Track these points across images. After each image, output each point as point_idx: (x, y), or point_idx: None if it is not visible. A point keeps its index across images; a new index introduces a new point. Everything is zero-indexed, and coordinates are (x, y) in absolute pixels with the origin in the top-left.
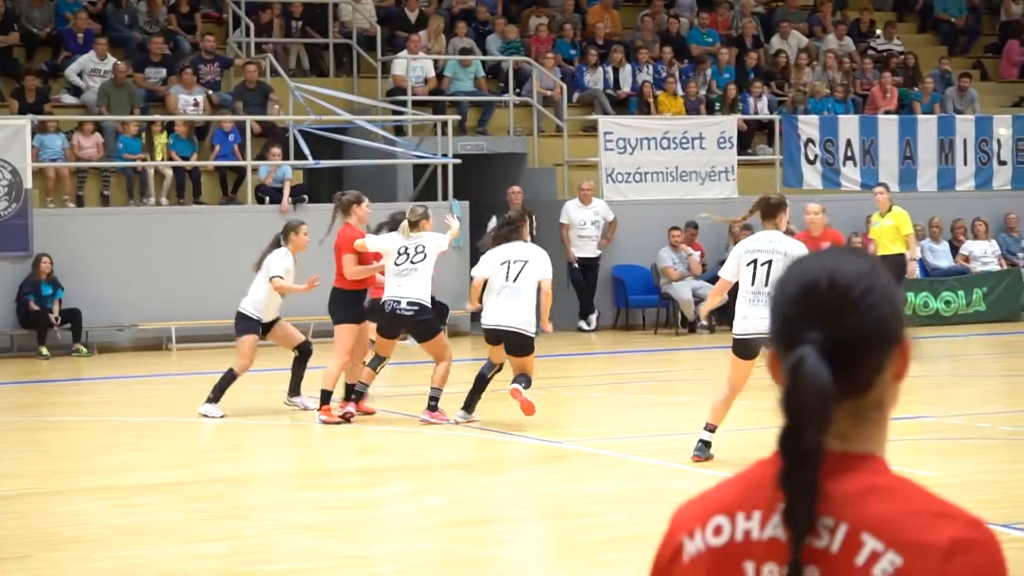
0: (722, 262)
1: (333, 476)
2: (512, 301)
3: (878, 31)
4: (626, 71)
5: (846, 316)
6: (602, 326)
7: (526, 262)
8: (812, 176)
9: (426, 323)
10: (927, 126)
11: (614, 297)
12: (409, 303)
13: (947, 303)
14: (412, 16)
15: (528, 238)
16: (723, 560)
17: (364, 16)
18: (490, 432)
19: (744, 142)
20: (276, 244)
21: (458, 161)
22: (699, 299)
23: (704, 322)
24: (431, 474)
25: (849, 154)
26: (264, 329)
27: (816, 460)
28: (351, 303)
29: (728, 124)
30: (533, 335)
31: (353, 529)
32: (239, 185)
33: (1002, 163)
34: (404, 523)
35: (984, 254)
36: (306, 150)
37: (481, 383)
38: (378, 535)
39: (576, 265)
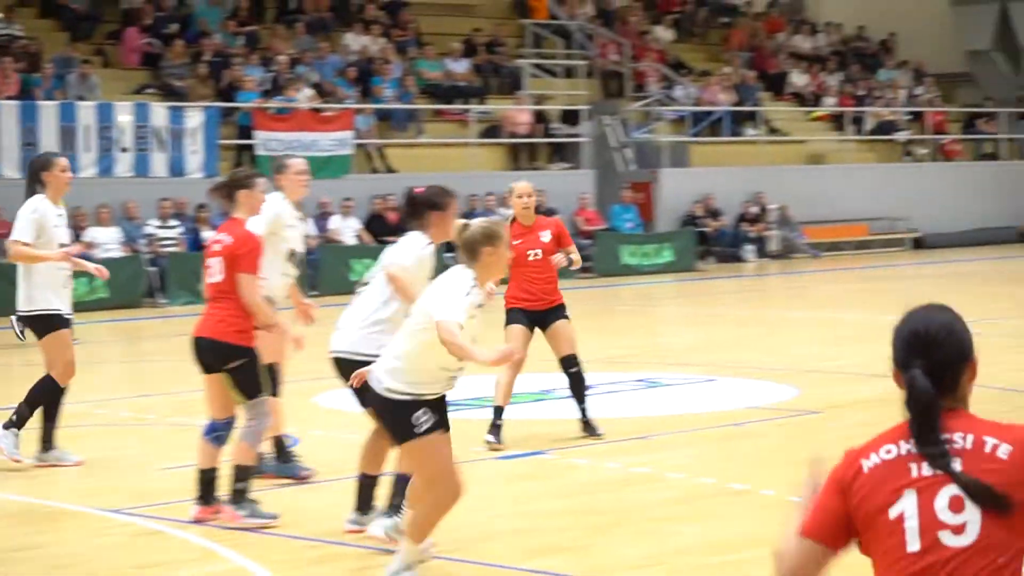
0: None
1: None
2: None
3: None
4: None
5: (937, 351)
6: None
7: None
8: None
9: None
10: (49, 112)
11: None
12: None
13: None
14: None
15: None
16: (895, 464)
17: None
18: None
19: None
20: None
21: None
22: None
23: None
24: None
25: None
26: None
27: (936, 431)
28: None
29: None
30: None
31: None
32: None
33: (124, 150)
34: None
35: (108, 240)
36: None
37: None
38: None
39: None
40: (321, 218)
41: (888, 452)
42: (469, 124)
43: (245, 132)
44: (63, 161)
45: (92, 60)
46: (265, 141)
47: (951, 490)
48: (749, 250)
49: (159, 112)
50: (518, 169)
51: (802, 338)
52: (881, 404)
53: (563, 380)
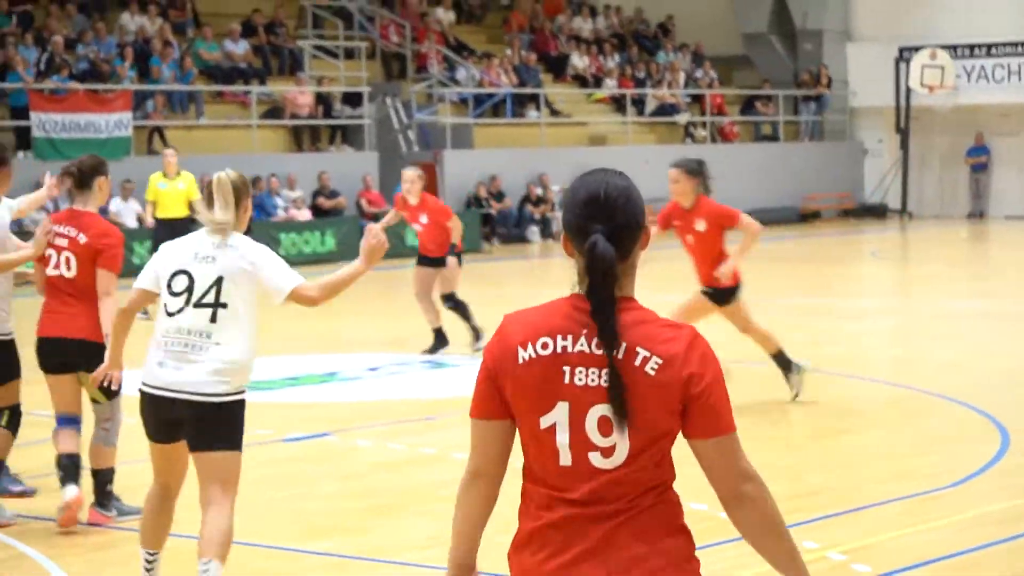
0: None
1: None
2: None
3: None
4: None
5: (616, 216)
6: None
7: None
8: None
9: None
10: None
11: None
12: None
13: None
14: None
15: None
16: (549, 363)
17: None
18: None
19: None
20: None
21: None
22: None
23: None
24: None
25: None
26: None
27: (612, 301)
28: None
29: None
30: None
31: None
32: None
33: None
34: None
35: None
36: None
37: None
38: None
39: None
40: None
41: (545, 347)
42: (250, 106)
43: (21, 113)
44: None
45: None
46: (41, 122)
47: (600, 409)
48: (534, 231)
49: None
50: (300, 151)
51: None
52: None
53: (347, 363)
